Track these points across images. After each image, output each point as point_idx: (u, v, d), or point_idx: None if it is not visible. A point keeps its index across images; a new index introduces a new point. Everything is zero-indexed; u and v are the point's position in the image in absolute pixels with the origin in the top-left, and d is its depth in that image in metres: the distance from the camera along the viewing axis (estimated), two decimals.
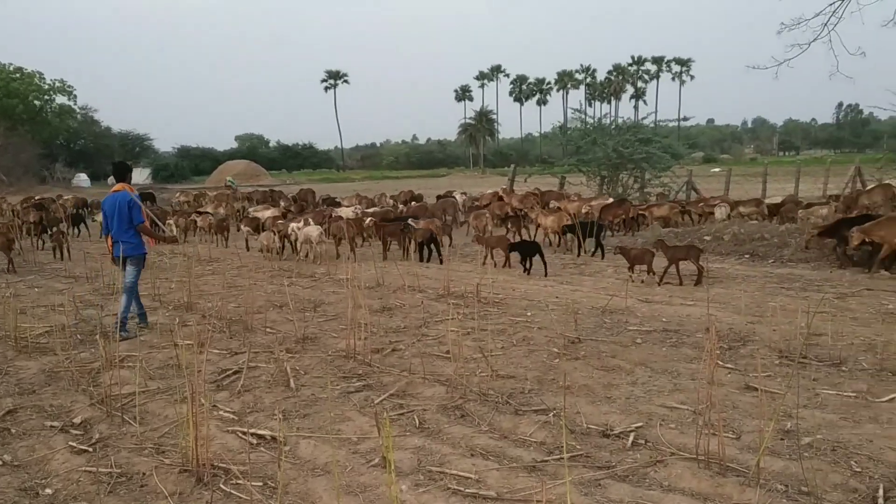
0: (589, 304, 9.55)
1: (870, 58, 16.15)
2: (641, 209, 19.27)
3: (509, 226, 17.68)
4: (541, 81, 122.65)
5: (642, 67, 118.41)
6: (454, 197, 24.42)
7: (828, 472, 4.31)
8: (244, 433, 5.31)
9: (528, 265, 12.63)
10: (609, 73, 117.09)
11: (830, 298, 9.36)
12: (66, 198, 31.26)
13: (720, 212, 18.03)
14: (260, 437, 5.27)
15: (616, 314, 8.87)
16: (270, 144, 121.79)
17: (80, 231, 23.29)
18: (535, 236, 17.12)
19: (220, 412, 5.83)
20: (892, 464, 4.40)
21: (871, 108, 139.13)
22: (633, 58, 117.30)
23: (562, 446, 4.72)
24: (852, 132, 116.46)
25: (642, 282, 11.24)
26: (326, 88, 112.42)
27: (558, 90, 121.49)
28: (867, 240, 11.33)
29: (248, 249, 17.62)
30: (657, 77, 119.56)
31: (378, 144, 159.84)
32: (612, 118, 30.76)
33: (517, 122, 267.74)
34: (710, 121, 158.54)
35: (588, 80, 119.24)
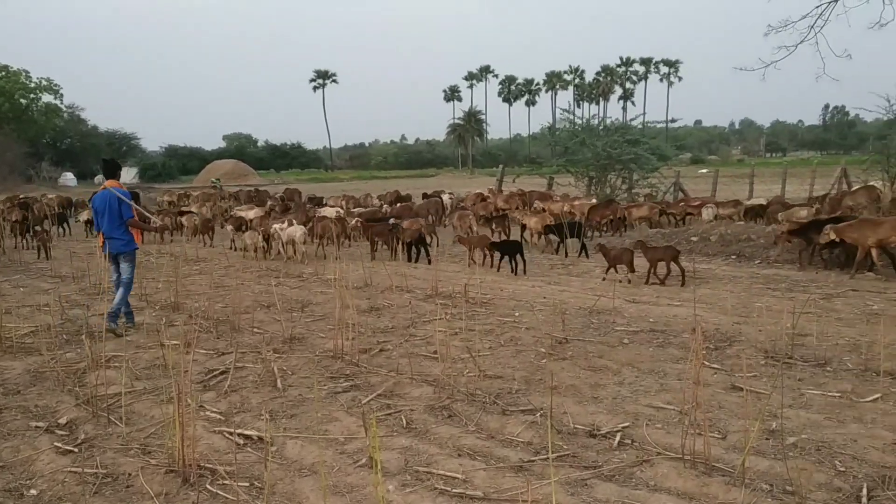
0: (576, 304, 9.58)
1: (856, 60, 16.29)
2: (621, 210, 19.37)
3: (494, 226, 17.73)
4: (529, 82, 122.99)
5: (630, 68, 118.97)
6: (440, 197, 24.49)
7: (812, 471, 4.33)
8: (231, 433, 5.29)
9: (512, 265, 12.70)
10: (597, 74, 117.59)
11: (816, 299, 9.42)
12: (49, 197, 31.03)
13: (707, 213, 18.12)
14: (247, 437, 5.25)
15: (603, 314, 8.90)
16: (259, 144, 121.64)
17: (64, 230, 23.15)
18: (521, 236, 17.19)
19: (207, 412, 5.81)
20: (875, 463, 4.43)
21: (857, 109, 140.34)
22: (621, 59, 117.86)
23: (549, 446, 4.74)
24: (838, 134, 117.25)
25: (629, 282, 11.28)
26: (315, 88, 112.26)
27: (547, 91, 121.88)
28: (837, 239, 11.46)
29: (234, 249, 17.59)
30: (645, 78, 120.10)
31: (367, 144, 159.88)
32: (601, 119, 30.76)
33: (506, 122, 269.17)
34: (698, 122, 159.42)
35: (576, 80, 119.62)
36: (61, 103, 78.65)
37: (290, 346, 7.82)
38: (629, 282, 11.30)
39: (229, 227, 18.33)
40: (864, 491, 4.06)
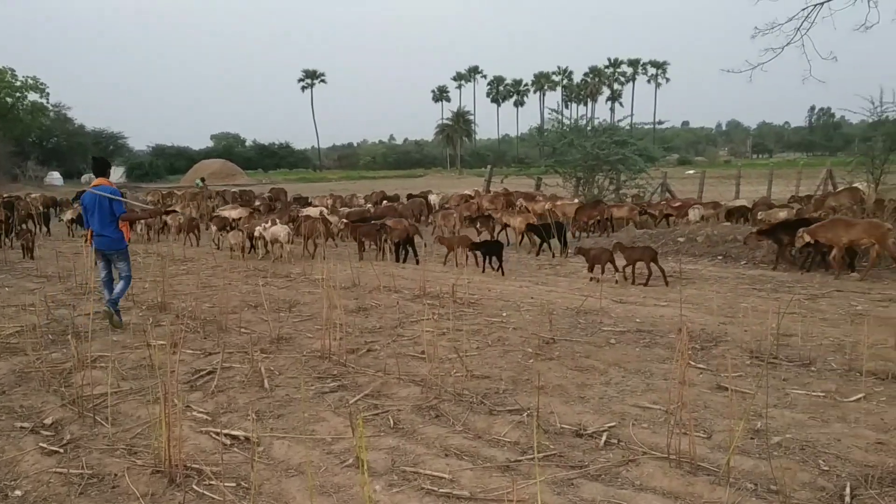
0: (564, 304, 9.61)
1: (841, 62, 16.41)
2: None
3: (478, 226, 17.79)
4: (518, 83, 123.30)
5: (618, 70, 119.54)
6: (425, 198, 24.59)
7: (796, 470, 4.37)
8: (217, 434, 5.28)
9: (496, 265, 12.82)
10: (585, 75, 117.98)
11: (801, 299, 9.49)
12: (33, 196, 30.76)
13: (694, 213, 18.20)
14: (233, 437, 5.24)
15: (590, 315, 8.93)
16: (247, 144, 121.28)
17: (48, 230, 23.02)
18: (505, 236, 17.34)
19: (194, 413, 5.80)
20: (859, 462, 4.47)
21: (843, 111, 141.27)
22: (609, 60, 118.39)
23: (535, 446, 4.75)
24: (824, 135, 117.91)
25: (616, 282, 11.34)
26: (303, 88, 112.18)
27: (535, 91, 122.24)
28: (813, 241, 11.60)
29: (218, 248, 17.55)
30: (633, 79, 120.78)
31: (355, 144, 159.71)
32: (588, 119, 30.82)
33: (494, 122, 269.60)
34: (685, 123, 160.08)
35: (564, 81, 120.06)
36: (47, 102, 78.24)
37: (278, 347, 7.81)
38: (616, 282, 11.36)
39: (213, 227, 18.34)
40: (848, 490, 4.10)
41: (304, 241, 16.02)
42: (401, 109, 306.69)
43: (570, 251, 14.66)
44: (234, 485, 4.45)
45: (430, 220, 20.89)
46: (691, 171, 48.54)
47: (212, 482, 4.45)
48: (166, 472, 4.57)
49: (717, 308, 8.93)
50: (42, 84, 74.41)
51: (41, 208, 25.69)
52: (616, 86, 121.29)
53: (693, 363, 6.56)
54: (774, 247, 12.64)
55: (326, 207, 21.87)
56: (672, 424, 4.85)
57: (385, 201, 25.00)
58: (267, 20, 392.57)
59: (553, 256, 14.77)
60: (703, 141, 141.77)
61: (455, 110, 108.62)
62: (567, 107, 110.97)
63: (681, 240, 15.23)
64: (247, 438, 5.16)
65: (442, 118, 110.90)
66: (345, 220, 17.38)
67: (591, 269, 11.69)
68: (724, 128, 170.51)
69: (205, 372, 6.89)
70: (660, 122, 64.15)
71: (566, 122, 28.16)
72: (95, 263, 10.57)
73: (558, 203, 20.35)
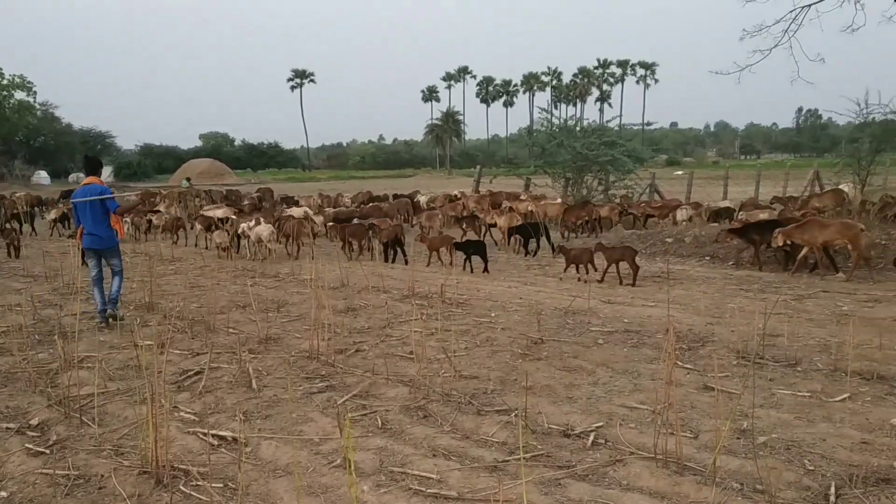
0: (552, 304, 9.63)
1: (829, 64, 16.54)
2: None
3: (464, 226, 17.82)
4: (507, 83, 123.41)
5: (608, 70, 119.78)
6: (409, 198, 24.63)
7: (782, 470, 4.40)
8: (205, 434, 5.26)
9: (481, 265, 13.00)
10: (575, 75, 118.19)
11: (787, 300, 9.55)
12: (18, 195, 30.52)
13: (682, 214, 18.29)
14: (221, 438, 5.23)
15: (579, 315, 8.95)
16: (236, 143, 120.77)
17: (33, 229, 22.88)
18: (490, 236, 17.44)
19: (181, 413, 5.78)
20: (843, 462, 4.51)
21: (830, 113, 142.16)
22: (598, 61, 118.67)
23: (523, 446, 4.77)
24: (811, 137, 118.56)
25: (598, 281, 11.40)
26: (293, 87, 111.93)
27: (524, 92, 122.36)
28: (788, 242, 11.79)
29: (207, 247, 17.50)
30: (622, 80, 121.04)
31: (344, 144, 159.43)
32: (577, 120, 30.88)
33: (484, 123, 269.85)
34: (674, 124, 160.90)
35: (554, 82, 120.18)
36: (34, 101, 77.47)
37: (266, 347, 7.79)
38: (599, 281, 11.42)
39: (198, 227, 18.38)
40: (833, 489, 4.13)
41: (286, 241, 16.04)
42: (390, 109, 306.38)
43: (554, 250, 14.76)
44: (221, 485, 4.44)
45: (415, 221, 20.90)
46: (680, 172, 48.68)
47: (199, 483, 4.44)
48: (153, 473, 4.56)
49: (705, 308, 8.98)
50: (29, 83, 73.79)
51: (26, 207, 25.51)
52: (605, 86, 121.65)
53: (680, 363, 6.59)
54: (763, 248, 12.73)
55: (311, 208, 21.88)
56: (659, 424, 4.87)
57: (372, 202, 24.99)
58: (256, 19, 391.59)
59: (533, 255, 14.94)
60: (691, 142, 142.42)
61: (445, 110, 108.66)
62: (556, 107, 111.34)
63: (669, 240, 15.30)
64: (234, 439, 5.15)
65: (431, 118, 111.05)
66: (323, 220, 17.42)
67: (567, 269, 11.96)
68: (712, 129, 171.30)
69: (192, 372, 6.87)
70: (648, 123, 64.67)
71: (555, 122, 28.21)
72: (83, 263, 10.54)
73: (541, 203, 20.47)
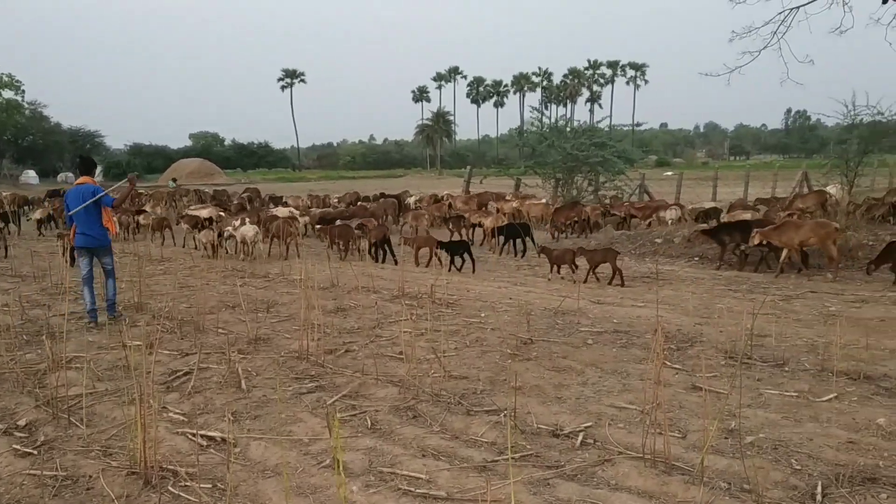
0: (542, 305, 9.65)
1: (818, 66, 16.63)
2: None
3: (451, 226, 17.87)
4: (498, 83, 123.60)
5: (598, 71, 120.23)
6: (396, 198, 24.69)
7: (769, 469, 4.42)
8: (194, 435, 5.25)
9: (460, 264, 13.27)
10: (565, 76, 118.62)
11: (775, 300, 9.61)
12: (4, 195, 30.30)
13: (671, 214, 18.37)
14: (210, 438, 5.22)
15: (568, 315, 8.98)
16: (226, 143, 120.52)
17: (19, 229, 22.75)
18: (472, 236, 17.55)
19: (170, 414, 5.76)
20: (830, 461, 4.54)
21: (819, 114, 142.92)
22: (589, 61, 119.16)
23: (512, 446, 4.78)
24: (800, 138, 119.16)
25: (584, 282, 11.45)
26: (283, 87, 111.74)
27: (515, 92, 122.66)
28: (765, 242, 12.01)
29: (195, 247, 17.47)
30: (612, 81, 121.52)
31: (335, 144, 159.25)
32: (567, 120, 30.98)
33: (474, 123, 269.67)
34: (664, 125, 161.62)
35: (544, 83, 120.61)
36: (23, 100, 77.14)
37: (255, 347, 7.77)
38: (585, 281, 11.46)
39: (185, 226, 18.41)
40: (819, 489, 4.15)
41: (270, 240, 16.05)
42: (381, 109, 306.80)
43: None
44: (210, 486, 4.44)
45: (402, 221, 20.95)
46: (669, 173, 48.87)
47: (188, 483, 4.43)
48: (142, 474, 4.54)
49: (693, 309, 9.02)
50: (17, 81, 73.46)
51: (12, 206, 25.34)
52: (595, 87, 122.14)
53: (669, 363, 6.62)
54: (754, 250, 12.81)
55: (298, 208, 21.92)
56: (647, 424, 4.89)
57: (359, 202, 25.01)
58: (246, 19, 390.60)
59: (522, 256, 15.03)
60: (681, 142, 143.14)
61: (435, 111, 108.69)
62: (547, 108, 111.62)
63: (658, 241, 15.36)
64: (223, 439, 5.14)
65: (422, 118, 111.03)
66: (318, 225, 17.45)
67: (552, 269, 12.12)
68: (701, 130, 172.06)
69: (181, 373, 6.85)
70: (638, 124, 64.94)
71: (546, 120, 28.29)
72: (72, 263, 10.49)
73: (526, 203, 20.57)
